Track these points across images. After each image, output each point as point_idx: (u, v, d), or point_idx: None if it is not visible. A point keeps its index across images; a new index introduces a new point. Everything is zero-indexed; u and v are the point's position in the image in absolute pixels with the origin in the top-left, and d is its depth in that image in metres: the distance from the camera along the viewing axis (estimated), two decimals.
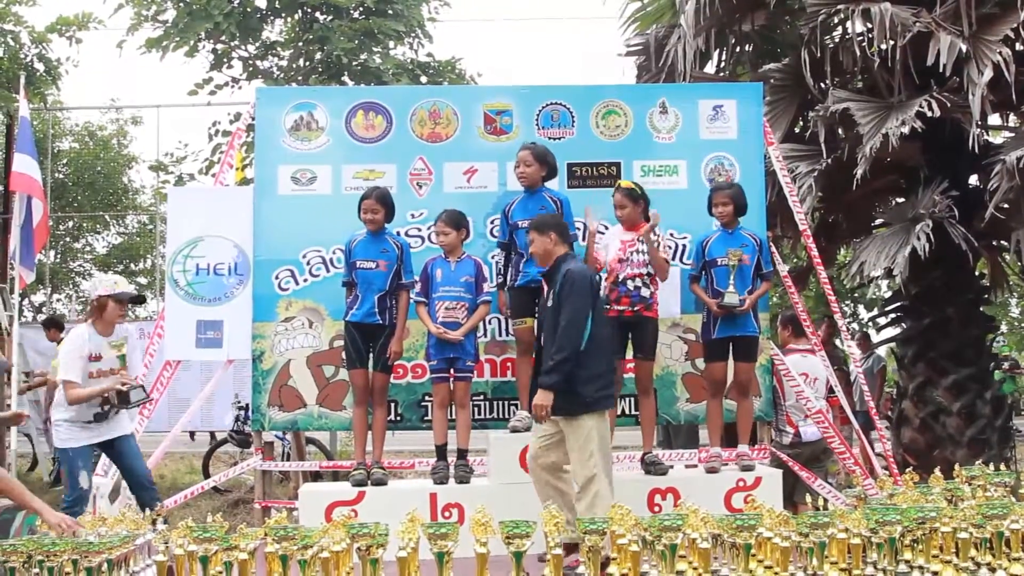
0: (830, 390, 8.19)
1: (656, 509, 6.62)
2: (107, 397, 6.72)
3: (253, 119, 8.04)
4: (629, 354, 7.03)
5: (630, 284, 6.86)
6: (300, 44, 14.76)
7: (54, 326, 12.39)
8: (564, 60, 52.98)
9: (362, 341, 6.80)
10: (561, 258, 6.04)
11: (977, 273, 10.59)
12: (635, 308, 6.85)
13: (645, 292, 6.88)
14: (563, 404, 5.79)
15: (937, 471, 5.42)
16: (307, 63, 14.81)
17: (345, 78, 14.37)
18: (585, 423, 5.78)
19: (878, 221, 10.46)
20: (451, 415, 7.01)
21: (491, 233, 7.48)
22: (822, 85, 9.40)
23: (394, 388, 7.36)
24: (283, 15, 14.88)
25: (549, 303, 5.96)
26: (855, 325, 19.81)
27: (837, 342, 11.00)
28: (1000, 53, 8.21)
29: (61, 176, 23.60)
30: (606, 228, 7.32)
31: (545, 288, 6.12)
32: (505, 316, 7.17)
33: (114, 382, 6.73)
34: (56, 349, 9.91)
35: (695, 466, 7.40)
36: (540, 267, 6.27)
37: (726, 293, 6.94)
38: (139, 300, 7.10)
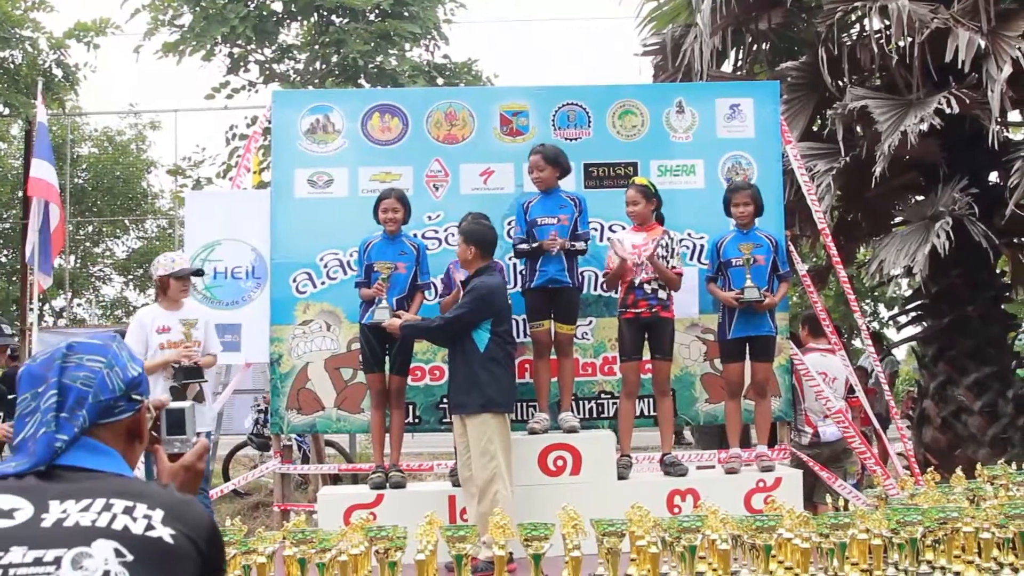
0: (850, 390, 8.14)
1: (676, 510, 6.59)
2: (181, 376, 6.66)
3: (269, 122, 8.06)
4: (646, 355, 7.00)
5: (646, 287, 6.84)
6: (316, 47, 14.81)
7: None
8: (580, 60, 53.00)
9: (378, 344, 6.79)
10: (480, 269, 6.38)
11: (998, 271, 10.52)
12: (652, 309, 6.83)
13: (662, 294, 6.87)
14: (465, 400, 6.17)
15: (959, 470, 5.38)
16: (323, 66, 14.86)
17: (361, 80, 14.41)
18: (488, 422, 6.06)
19: (897, 219, 10.40)
20: None
21: (508, 235, 7.44)
22: (840, 83, 9.35)
23: (412, 390, 7.36)
24: (299, 18, 14.94)
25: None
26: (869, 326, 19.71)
27: (856, 342, 10.96)
28: (1019, 49, 8.15)
29: (81, 181, 23.71)
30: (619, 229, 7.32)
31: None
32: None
33: (177, 355, 6.61)
34: None
35: (712, 467, 7.37)
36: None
37: (746, 288, 6.89)
38: (198, 273, 7.11)
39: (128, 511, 1.78)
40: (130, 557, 1.71)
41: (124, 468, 1.95)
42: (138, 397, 2.03)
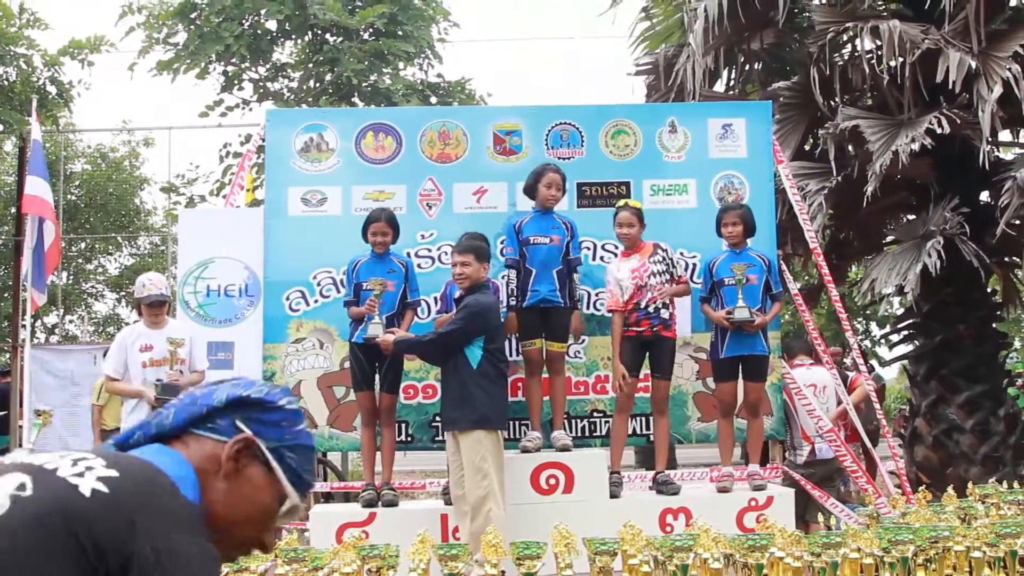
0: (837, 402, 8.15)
1: (668, 529, 6.58)
2: (159, 391, 6.75)
3: (263, 140, 8.07)
4: (644, 372, 7.00)
5: (650, 307, 6.84)
6: (310, 65, 14.87)
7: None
8: (576, 80, 53.19)
9: (368, 362, 6.78)
10: (478, 286, 6.40)
11: (989, 290, 10.56)
12: (654, 328, 6.82)
13: (664, 313, 6.85)
14: (457, 416, 6.16)
15: (950, 489, 5.40)
16: (317, 84, 14.91)
17: (355, 99, 14.46)
18: (482, 440, 6.06)
19: (889, 238, 10.45)
20: None
21: (501, 253, 7.44)
22: (832, 103, 9.41)
23: (405, 408, 7.35)
24: (293, 37, 14.99)
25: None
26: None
27: (847, 360, 10.97)
28: (1009, 69, 8.22)
29: (73, 198, 23.68)
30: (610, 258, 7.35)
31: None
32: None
33: (146, 393, 6.78)
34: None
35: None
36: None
37: (736, 308, 6.88)
38: (162, 302, 7.15)
39: (81, 460, 1.56)
40: (29, 493, 1.48)
41: (183, 469, 1.69)
42: (243, 428, 1.81)
